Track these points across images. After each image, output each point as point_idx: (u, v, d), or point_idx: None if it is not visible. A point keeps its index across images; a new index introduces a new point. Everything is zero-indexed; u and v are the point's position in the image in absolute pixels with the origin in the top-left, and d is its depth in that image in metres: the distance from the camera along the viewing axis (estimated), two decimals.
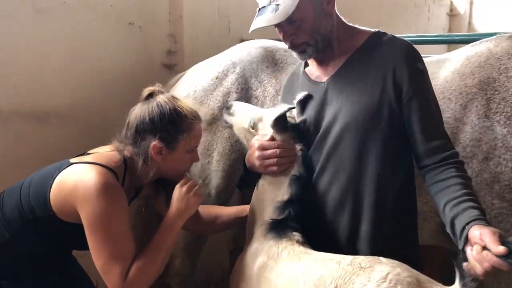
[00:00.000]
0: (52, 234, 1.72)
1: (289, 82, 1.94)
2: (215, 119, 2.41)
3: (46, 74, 2.61)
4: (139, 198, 2.01)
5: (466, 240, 1.37)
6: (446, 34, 5.70)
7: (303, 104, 1.76)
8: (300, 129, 1.75)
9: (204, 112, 2.39)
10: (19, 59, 2.47)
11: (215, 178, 2.44)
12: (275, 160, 1.70)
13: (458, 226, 1.41)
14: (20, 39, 2.46)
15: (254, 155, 1.76)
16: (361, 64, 1.67)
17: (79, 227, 1.63)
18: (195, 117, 1.76)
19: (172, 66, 3.18)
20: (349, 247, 1.66)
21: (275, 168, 1.72)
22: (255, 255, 1.70)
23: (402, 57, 1.61)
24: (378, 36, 1.70)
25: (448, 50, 5.63)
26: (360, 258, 1.46)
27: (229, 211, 2.05)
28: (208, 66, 2.61)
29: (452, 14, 6.70)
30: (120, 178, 1.71)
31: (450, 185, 1.51)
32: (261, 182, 1.80)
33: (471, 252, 1.31)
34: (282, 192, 1.71)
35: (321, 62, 1.77)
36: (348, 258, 1.48)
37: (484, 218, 1.39)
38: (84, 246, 1.65)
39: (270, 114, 1.75)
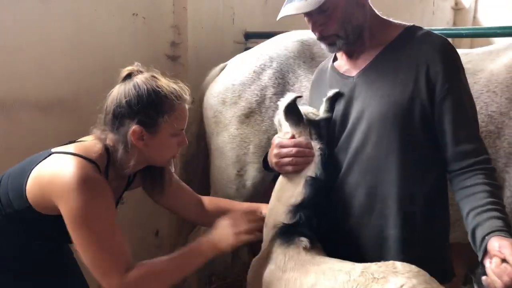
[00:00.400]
0: (32, 227, 1.61)
1: (317, 78, 1.87)
2: (253, 113, 2.42)
3: (50, 63, 2.59)
4: (130, 188, 1.90)
5: (485, 252, 1.31)
6: (451, 28, 5.66)
7: (333, 101, 1.67)
8: (321, 126, 1.67)
9: (242, 106, 2.43)
10: (22, 48, 2.45)
11: (251, 170, 2.47)
12: (290, 159, 1.62)
13: (479, 236, 1.35)
14: (23, 28, 2.44)
15: (272, 153, 1.70)
16: (394, 59, 1.58)
17: (58, 218, 1.53)
18: (177, 97, 1.61)
19: (176, 58, 3.16)
20: (376, 253, 1.58)
21: (290, 168, 1.64)
22: (265, 261, 1.66)
23: (437, 53, 1.52)
24: (413, 31, 1.62)
25: (453, 44, 5.59)
26: (373, 268, 1.38)
27: (239, 207, 1.98)
28: (246, 60, 2.62)
29: (457, 8, 6.65)
30: (103, 169, 1.60)
31: (476, 193, 1.43)
32: (279, 179, 1.73)
33: (490, 265, 1.25)
34: (296, 194, 1.63)
35: (350, 56, 1.69)
36: (359, 267, 1.41)
37: (507, 230, 1.32)
38: (67, 239, 1.56)
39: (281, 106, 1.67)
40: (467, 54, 2.11)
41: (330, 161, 1.64)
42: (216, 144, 2.56)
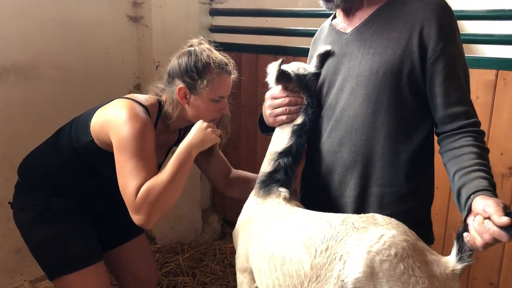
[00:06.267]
0: (91, 159, 1.91)
1: (317, 36, 1.84)
2: None
3: (2, 26, 2.40)
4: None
5: (470, 211, 1.30)
6: None
7: (323, 57, 1.68)
8: (309, 80, 1.68)
9: None
10: None
11: None
12: (283, 108, 1.66)
13: (464, 195, 1.34)
14: None
15: (265, 105, 1.71)
16: (389, 18, 1.54)
17: (111, 155, 1.79)
18: (222, 68, 1.85)
19: (138, 19, 2.98)
20: (357, 212, 1.56)
21: (284, 117, 1.67)
22: (246, 210, 1.68)
23: (432, 14, 1.48)
24: None
25: None
26: (353, 218, 1.39)
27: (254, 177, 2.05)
28: None
29: None
30: (153, 116, 1.89)
31: (463, 154, 1.42)
32: (274, 133, 1.76)
33: (473, 223, 1.25)
34: (283, 143, 1.67)
35: (348, 13, 1.65)
36: (340, 217, 1.41)
37: (492, 190, 1.32)
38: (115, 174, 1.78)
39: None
40: None
41: (316, 112, 1.68)
42: None
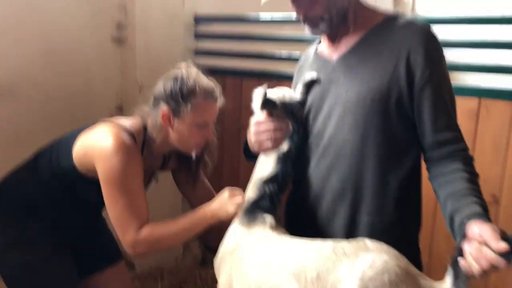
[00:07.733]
0: (72, 185, 1.89)
1: (301, 63, 1.83)
2: None
3: None
4: (164, 170, 2.14)
5: (464, 236, 1.28)
6: None
7: (309, 85, 1.66)
8: (295, 107, 1.66)
9: None
10: None
11: None
12: (269, 134, 1.60)
13: (457, 221, 1.34)
14: None
15: (250, 132, 1.66)
16: (376, 44, 1.54)
17: (94, 182, 1.79)
18: (207, 93, 1.85)
19: (122, 41, 2.96)
20: (346, 239, 1.54)
21: (269, 143, 1.60)
22: (230, 238, 1.64)
23: (419, 41, 1.49)
24: (396, 17, 1.58)
25: None
26: (343, 244, 1.37)
27: None
28: None
29: None
30: (139, 142, 1.87)
31: (454, 179, 1.42)
32: (258, 160, 1.72)
33: (469, 248, 1.22)
34: (268, 170, 1.63)
35: (333, 40, 1.64)
36: (329, 243, 1.39)
37: (486, 215, 1.31)
38: (98, 201, 1.79)
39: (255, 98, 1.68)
40: None
41: (302, 139, 1.65)
42: None
